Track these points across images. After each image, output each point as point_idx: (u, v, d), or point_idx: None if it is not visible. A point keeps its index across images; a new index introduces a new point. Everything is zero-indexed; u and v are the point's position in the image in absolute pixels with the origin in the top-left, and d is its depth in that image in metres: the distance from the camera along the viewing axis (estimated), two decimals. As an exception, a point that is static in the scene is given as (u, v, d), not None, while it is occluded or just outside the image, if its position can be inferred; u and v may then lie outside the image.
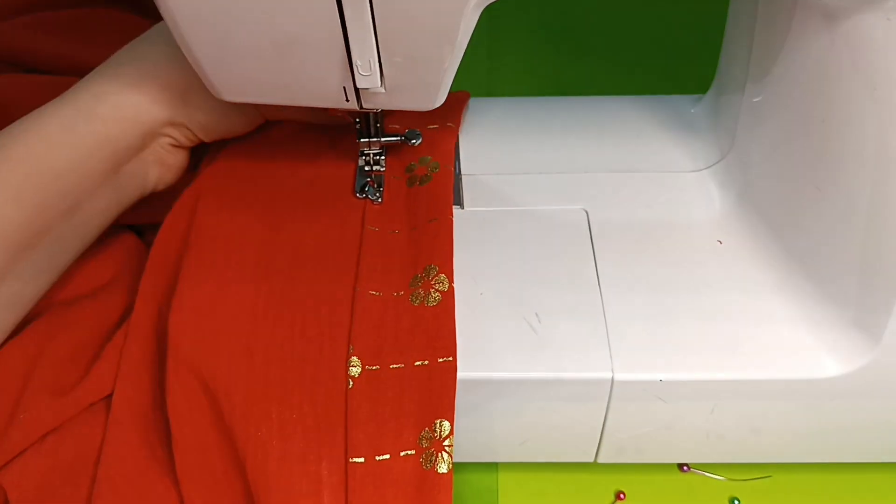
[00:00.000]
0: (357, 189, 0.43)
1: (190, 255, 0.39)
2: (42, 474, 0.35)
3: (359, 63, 0.33)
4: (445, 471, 0.34)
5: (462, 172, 0.45)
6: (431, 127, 0.46)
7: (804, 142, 0.37)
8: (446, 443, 0.34)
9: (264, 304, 0.38)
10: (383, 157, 0.44)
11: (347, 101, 0.36)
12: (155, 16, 0.34)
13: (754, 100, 0.41)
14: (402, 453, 0.35)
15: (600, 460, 0.41)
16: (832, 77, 0.34)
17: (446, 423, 0.35)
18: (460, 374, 0.36)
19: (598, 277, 0.40)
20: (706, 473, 0.44)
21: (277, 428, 0.35)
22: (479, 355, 0.37)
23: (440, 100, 0.36)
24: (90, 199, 0.39)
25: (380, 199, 0.43)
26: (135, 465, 0.36)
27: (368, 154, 0.44)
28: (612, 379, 0.37)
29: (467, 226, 0.42)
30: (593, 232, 0.42)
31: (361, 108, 0.36)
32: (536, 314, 0.39)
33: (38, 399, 0.37)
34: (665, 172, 0.45)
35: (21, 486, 0.35)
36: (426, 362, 0.36)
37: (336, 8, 0.31)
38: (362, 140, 0.43)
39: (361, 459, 0.34)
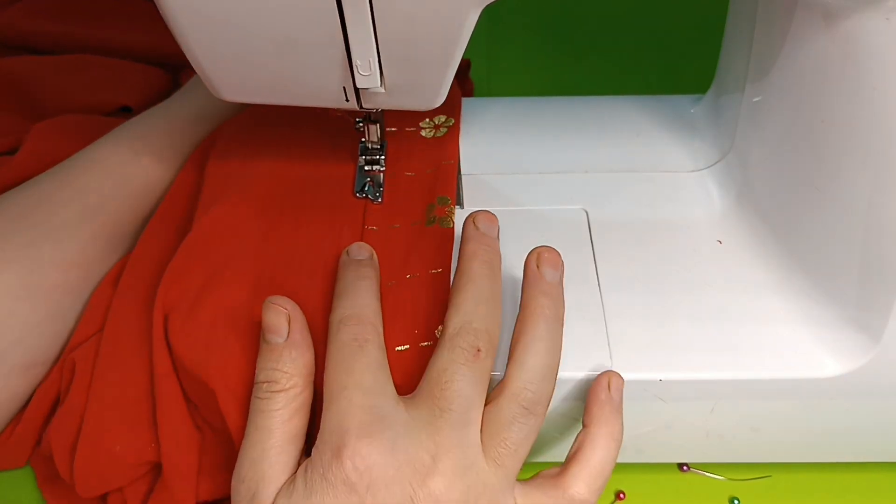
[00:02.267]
0: (357, 188, 0.43)
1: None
2: None
3: (359, 63, 0.33)
4: (450, 226, 0.40)
5: (462, 172, 0.45)
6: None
7: (804, 142, 0.37)
8: (448, 209, 0.41)
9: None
10: (383, 157, 0.44)
11: (347, 101, 0.36)
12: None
13: (754, 100, 0.41)
14: (412, 224, 0.41)
15: (600, 460, 0.41)
16: (832, 77, 0.34)
17: (447, 198, 0.42)
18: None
19: (597, 277, 0.40)
20: (706, 473, 0.44)
21: (305, 219, 0.41)
22: (479, 355, 0.37)
23: (440, 99, 0.36)
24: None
25: (380, 199, 0.43)
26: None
27: (368, 153, 0.44)
28: (612, 379, 0.37)
29: (467, 226, 0.42)
30: (593, 232, 0.42)
31: (361, 107, 0.36)
32: (536, 314, 0.39)
33: (102, 289, 0.42)
34: (665, 172, 0.45)
35: (87, 357, 0.39)
36: (433, 170, 0.44)
37: (336, 8, 0.31)
38: (362, 139, 0.43)
39: (375, 228, 0.41)
